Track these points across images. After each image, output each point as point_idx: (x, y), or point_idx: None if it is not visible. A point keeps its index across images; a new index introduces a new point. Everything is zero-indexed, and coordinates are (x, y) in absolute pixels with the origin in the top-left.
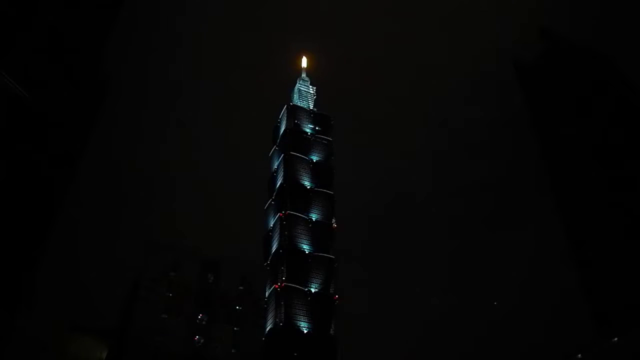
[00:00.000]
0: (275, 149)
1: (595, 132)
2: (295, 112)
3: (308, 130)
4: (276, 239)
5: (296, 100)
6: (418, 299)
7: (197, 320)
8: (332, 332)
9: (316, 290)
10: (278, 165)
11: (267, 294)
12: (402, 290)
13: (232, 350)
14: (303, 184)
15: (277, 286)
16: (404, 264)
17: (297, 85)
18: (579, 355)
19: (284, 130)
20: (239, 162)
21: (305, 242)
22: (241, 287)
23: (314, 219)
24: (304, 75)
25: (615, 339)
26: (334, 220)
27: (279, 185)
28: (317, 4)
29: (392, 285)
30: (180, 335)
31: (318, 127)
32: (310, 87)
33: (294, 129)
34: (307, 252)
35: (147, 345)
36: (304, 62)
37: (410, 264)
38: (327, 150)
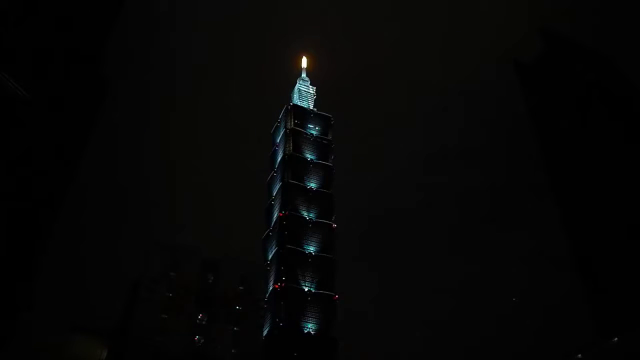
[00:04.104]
0: (275, 149)
1: (595, 131)
2: (295, 112)
3: (308, 130)
4: (276, 239)
5: (296, 100)
6: (423, 299)
7: (197, 320)
8: (332, 332)
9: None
10: (278, 165)
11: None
12: (406, 291)
13: (232, 350)
14: (303, 184)
15: (276, 286)
16: (405, 265)
17: (297, 85)
18: (579, 355)
19: (284, 130)
20: (239, 163)
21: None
22: (241, 287)
23: (313, 219)
24: (304, 75)
25: (615, 339)
26: (333, 219)
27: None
28: (318, 4)
29: (395, 286)
30: (180, 335)
31: (318, 127)
32: (310, 87)
33: (294, 129)
34: (307, 252)
35: (147, 345)
36: (304, 62)
37: (411, 265)
38: (327, 151)
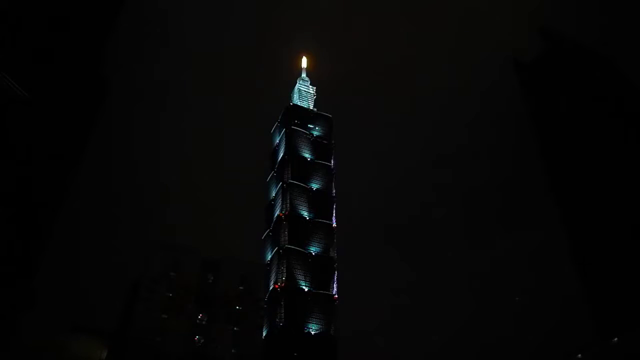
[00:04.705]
0: (275, 149)
1: (595, 131)
2: (295, 112)
3: (308, 130)
4: (277, 239)
5: (296, 100)
6: (424, 300)
7: (197, 320)
8: (332, 332)
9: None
10: (278, 166)
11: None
12: (407, 292)
13: (232, 350)
14: (304, 185)
15: (276, 286)
16: (408, 266)
17: (297, 85)
18: (579, 355)
19: (284, 131)
20: (238, 162)
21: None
22: (241, 287)
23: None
24: (304, 75)
25: (615, 339)
26: (334, 219)
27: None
28: (318, 4)
29: (396, 286)
30: (180, 335)
31: (318, 127)
32: (310, 87)
33: (294, 129)
34: (307, 252)
35: (147, 345)
36: (304, 62)
37: (414, 266)
38: (327, 150)
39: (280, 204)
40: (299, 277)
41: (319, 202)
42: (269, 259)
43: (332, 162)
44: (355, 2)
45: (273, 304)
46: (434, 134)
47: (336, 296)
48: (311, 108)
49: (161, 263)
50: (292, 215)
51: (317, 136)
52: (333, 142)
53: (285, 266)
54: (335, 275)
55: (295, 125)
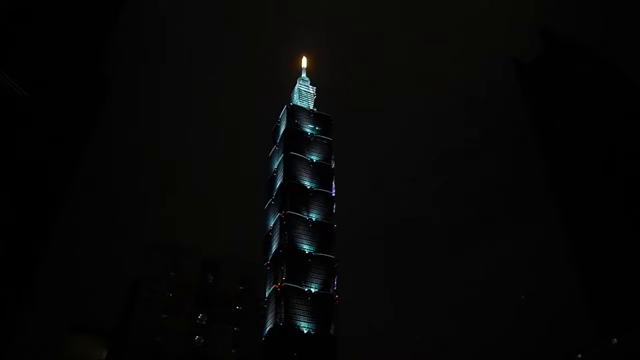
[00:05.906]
0: (275, 149)
1: (595, 131)
2: (295, 111)
3: (308, 130)
4: (276, 239)
5: (296, 100)
6: (425, 301)
7: (197, 320)
8: (332, 332)
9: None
10: (278, 166)
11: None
12: (408, 292)
13: (232, 350)
14: (303, 184)
15: (277, 286)
16: (410, 266)
17: (297, 85)
18: (579, 355)
19: (284, 130)
20: (238, 162)
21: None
22: (241, 287)
23: (313, 219)
24: (304, 75)
25: (615, 339)
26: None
27: (279, 186)
28: (318, 4)
29: (397, 286)
30: (180, 335)
31: (318, 127)
32: (310, 87)
33: (294, 129)
34: (307, 252)
35: (148, 345)
36: (304, 62)
37: (415, 266)
38: (327, 150)
39: (280, 204)
40: (299, 277)
41: (319, 202)
42: (269, 259)
43: (332, 162)
44: (355, 2)
45: (273, 304)
46: (434, 134)
47: (336, 296)
48: (311, 108)
49: (161, 263)
50: (292, 214)
51: (317, 136)
52: (333, 142)
53: (285, 266)
54: (335, 275)
55: (295, 125)
